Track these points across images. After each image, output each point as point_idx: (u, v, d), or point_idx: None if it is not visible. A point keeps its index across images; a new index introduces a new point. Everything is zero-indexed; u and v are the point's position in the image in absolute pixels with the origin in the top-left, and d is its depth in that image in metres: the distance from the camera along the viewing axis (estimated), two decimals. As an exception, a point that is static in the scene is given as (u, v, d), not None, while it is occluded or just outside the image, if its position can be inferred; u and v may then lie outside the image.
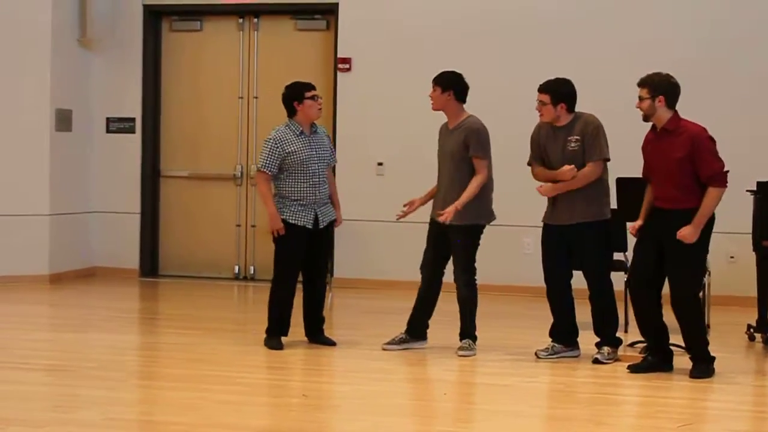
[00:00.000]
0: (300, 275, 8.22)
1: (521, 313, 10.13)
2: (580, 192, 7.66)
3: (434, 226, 8.05)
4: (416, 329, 8.14)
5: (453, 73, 8.04)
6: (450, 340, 8.08)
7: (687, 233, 7.16)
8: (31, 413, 6.18)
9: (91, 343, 8.44)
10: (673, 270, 7.28)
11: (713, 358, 7.37)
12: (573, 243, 7.74)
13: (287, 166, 8.02)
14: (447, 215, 7.75)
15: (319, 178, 8.08)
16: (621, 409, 6.79)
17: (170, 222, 12.46)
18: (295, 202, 8.03)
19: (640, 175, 7.62)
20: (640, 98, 7.35)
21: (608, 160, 7.74)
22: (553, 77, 7.88)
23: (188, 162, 12.39)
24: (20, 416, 6.05)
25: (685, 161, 7.20)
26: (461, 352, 7.89)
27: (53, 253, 11.57)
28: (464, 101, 8.06)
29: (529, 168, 8.08)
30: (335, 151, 8.38)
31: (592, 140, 7.67)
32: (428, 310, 8.14)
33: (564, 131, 7.76)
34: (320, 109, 8.19)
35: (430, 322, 8.16)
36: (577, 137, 7.69)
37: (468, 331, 7.99)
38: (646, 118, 7.38)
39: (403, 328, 8.17)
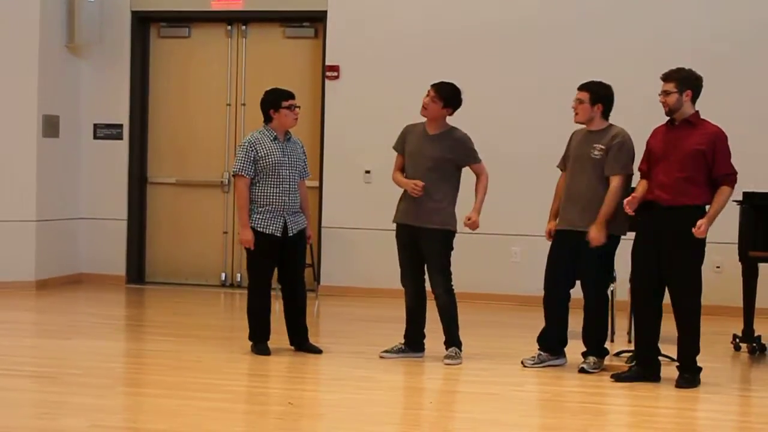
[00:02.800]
0: (279, 284, 8.30)
1: (508, 321, 10.13)
2: (599, 202, 7.62)
3: (404, 233, 8.03)
4: (413, 341, 8.15)
5: (457, 89, 7.99)
6: (435, 348, 8.07)
7: (702, 225, 7.15)
8: (17, 420, 6.15)
9: (77, 349, 8.41)
10: (677, 272, 7.27)
11: (700, 369, 7.39)
12: (580, 250, 7.67)
13: (259, 170, 8.05)
14: (476, 225, 7.90)
15: (289, 185, 8.09)
16: (608, 418, 6.80)
17: (157, 229, 12.44)
18: (263, 209, 8.05)
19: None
20: (666, 92, 7.30)
21: (631, 174, 7.71)
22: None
23: (175, 169, 12.38)
24: (6, 423, 6.03)
25: (702, 154, 7.21)
26: (448, 361, 7.89)
27: (39, 259, 11.55)
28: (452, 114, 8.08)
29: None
30: (307, 163, 8.35)
31: (615, 153, 7.61)
32: (421, 320, 8.14)
33: (594, 137, 7.72)
34: (296, 118, 8.19)
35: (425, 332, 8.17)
36: (602, 147, 7.66)
37: (453, 339, 7.98)
38: (670, 113, 7.34)
39: (391, 336, 8.17)
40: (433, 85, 8.01)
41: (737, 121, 10.55)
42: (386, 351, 8.13)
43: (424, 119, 8.06)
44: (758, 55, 10.76)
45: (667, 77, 7.36)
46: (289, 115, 8.13)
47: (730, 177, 7.26)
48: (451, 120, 8.06)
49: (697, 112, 7.37)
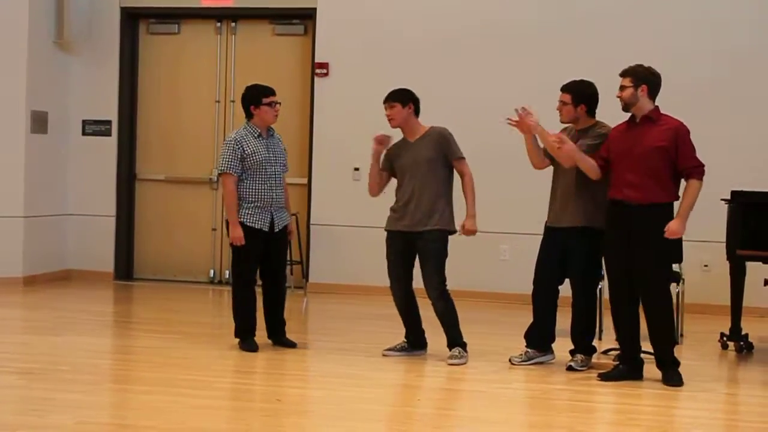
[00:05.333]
0: (260, 279, 8.31)
1: (497, 319, 10.14)
2: (590, 198, 7.58)
3: (398, 241, 8.01)
4: (414, 340, 8.15)
5: (407, 89, 8.05)
6: (435, 347, 8.09)
7: (676, 227, 7.22)
8: (4, 416, 6.14)
9: (65, 346, 8.39)
10: (646, 267, 7.27)
11: (679, 363, 7.41)
12: (568, 246, 7.67)
13: (246, 167, 8.07)
14: (473, 230, 7.88)
15: (275, 180, 8.12)
16: (595, 416, 6.81)
17: (146, 225, 12.43)
18: (251, 204, 8.07)
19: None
20: (622, 87, 7.33)
21: None
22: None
23: (164, 165, 12.37)
24: (-8, 419, 6.03)
25: (666, 151, 7.23)
26: (451, 361, 7.83)
27: (27, 255, 11.53)
28: (418, 115, 8.08)
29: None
30: (286, 158, 8.36)
31: (593, 143, 7.60)
32: (416, 319, 8.13)
33: (582, 136, 7.69)
34: (276, 115, 8.18)
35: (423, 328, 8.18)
36: (591, 142, 7.63)
37: (456, 340, 7.96)
38: (626, 108, 7.36)
39: (379, 333, 8.17)
40: (384, 100, 8.05)
41: (725, 117, 10.64)
42: (389, 349, 8.13)
43: (401, 135, 8.10)
44: (748, 57, 10.77)
45: (624, 73, 7.40)
46: (270, 112, 8.14)
47: (697, 169, 7.26)
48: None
49: (657, 107, 7.39)
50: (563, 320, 7.90)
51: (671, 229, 7.23)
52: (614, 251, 7.40)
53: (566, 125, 7.88)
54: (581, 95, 7.73)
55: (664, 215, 7.29)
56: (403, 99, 8.00)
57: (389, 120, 8.04)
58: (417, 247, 7.92)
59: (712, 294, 10.02)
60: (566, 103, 7.75)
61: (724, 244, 8.64)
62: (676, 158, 7.25)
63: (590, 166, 7.48)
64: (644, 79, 7.33)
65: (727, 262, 8.68)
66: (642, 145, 7.27)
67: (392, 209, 8.08)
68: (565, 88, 7.80)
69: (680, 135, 7.28)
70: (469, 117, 10.77)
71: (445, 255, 7.95)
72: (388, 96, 8.06)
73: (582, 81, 7.80)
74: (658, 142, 7.25)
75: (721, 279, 8.89)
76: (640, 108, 7.34)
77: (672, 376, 7.33)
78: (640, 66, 7.42)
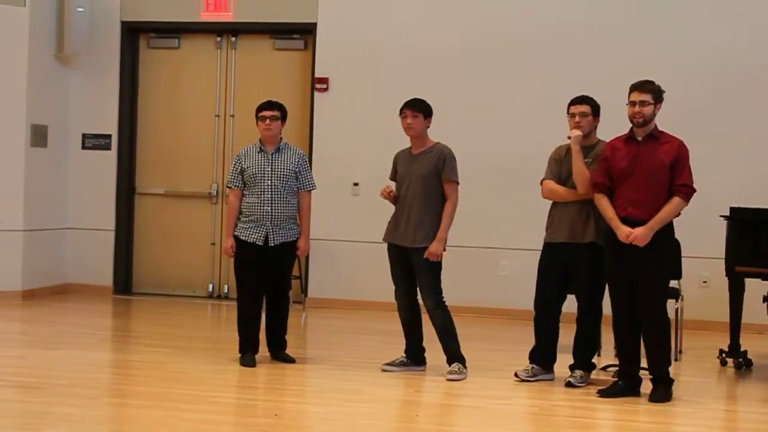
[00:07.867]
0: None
1: (497, 335, 10.13)
2: (595, 214, 7.55)
3: (396, 250, 8.01)
4: (413, 355, 8.13)
5: (421, 99, 8.02)
6: (434, 362, 8.07)
7: (640, 233, 7.16)
8: (1, 430, 6.13)
9: (63, 360, 8.38)
10: (651, 285, 7.26)
11: (672, 381, 7.40)
12: (572, 262, 7.65)
13: (245, 181, 8.12)
14: (436, 254, 7.76)
15: (271, 195, 8.09)
16: (593, 432, 6.81)
17: (145, 239, 12.43)
18: (246, 218, 8.11)
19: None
20: (643, 103, 7.26)
21: None
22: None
23: (164, 179, 12.37)
24: (-10, 433, 6.02)
25: (669, 168, 7.23)
26: (450, 376, 7.82)
27: (26, 269, 11.52)
28: None
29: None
30: (305, 174, 8.24)
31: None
32: (418, 333, 8.10)
33: (585, 152, 7.66)
34: (267, 128, 8.14)
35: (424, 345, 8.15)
36: (589, 160, 7.62)
37: (454, 355, 7.94)
38: (644, 124, 7.29)
39: (378, 348, 8.15)
40: (407, 107, 7.97)
41: (724, 135, 10.65)
42: (388, 364, 8.11)
43: (408, 144, 8.07)
44: (747, 74, 10.77)
45: (643, 88, 7.33)
46: (260, 126, 8.17)
47: (685, 188, 7.23)
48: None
49: (656, 125, 7.40)
50: (563, 336, 7.88)
51: (636, 232, 7.17)
52: (616, 269, 7.38)
53: (561, 144, 7.86)
54: (597, 108, 7.74)
55: (666, 232, 7.29)
56: (426, 111, 7.97)
57: (408, 129, 7.96)
58: (411, 262, 7.92)
59: (711, 310, 10.01)
60: (587, 114, 7.70)
61: (723, 260, 8.64)
62: (673, 174, 7.25)
63: (607, 210, 7.41)
64: (660, 97, 7.34)
65: (726, 278, 8.67)
66: (649, 163, 7.25)
67: (390, 219, 8.07)
68: (584, 101, 7.74)
69: (682, 152, 7.28)
70: (469, 132, 10.78)
71: (439, 269, 7.92)
72: (413, 105, 7.97)
73: (589, 96, 7.78)
74: (666, 159, 7.24)
75: (720, 295, 8.87)
76: (648, 126, 7.34)
77: (657, 392, 7.29)
78: (653, 83, 7.37)
